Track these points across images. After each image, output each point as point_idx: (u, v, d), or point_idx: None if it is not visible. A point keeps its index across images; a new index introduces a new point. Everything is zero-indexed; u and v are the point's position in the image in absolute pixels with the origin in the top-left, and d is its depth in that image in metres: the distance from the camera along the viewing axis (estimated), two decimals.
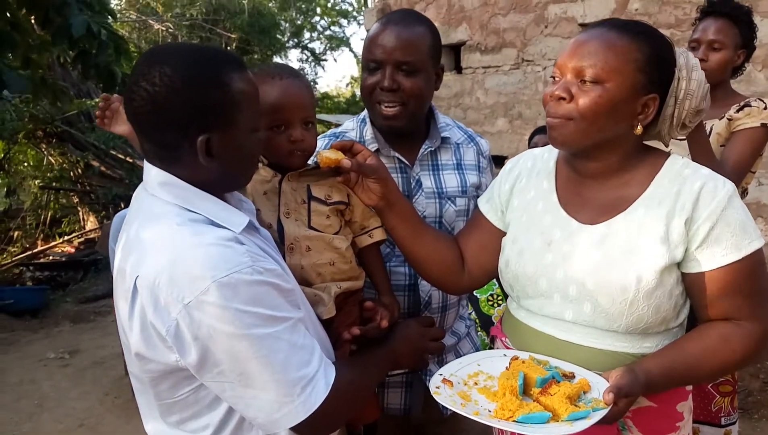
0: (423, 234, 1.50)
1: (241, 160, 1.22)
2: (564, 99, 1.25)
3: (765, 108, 2.25)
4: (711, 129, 2.28)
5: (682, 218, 1.22)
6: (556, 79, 1.29)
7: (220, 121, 1.14)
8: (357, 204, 1.49)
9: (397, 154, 1.70)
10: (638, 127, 1.27)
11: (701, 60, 2.26)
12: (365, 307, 1.46)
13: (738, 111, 2.27)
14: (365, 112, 1.77)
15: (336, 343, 1.37)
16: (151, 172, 1.19)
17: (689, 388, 1.37)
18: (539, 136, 3.59)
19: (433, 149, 1.74)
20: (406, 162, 1.71)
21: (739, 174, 2.17)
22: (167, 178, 1.17)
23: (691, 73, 1.27)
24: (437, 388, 1.23)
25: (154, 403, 1.23)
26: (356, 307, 1.47)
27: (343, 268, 1.45)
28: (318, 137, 1.54)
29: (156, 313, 1.07)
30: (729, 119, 2.29)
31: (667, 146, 1.40)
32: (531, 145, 3.74)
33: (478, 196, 1.73)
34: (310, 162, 1.47)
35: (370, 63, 1.62)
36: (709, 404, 2.29)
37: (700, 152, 2.02)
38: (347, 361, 1.34)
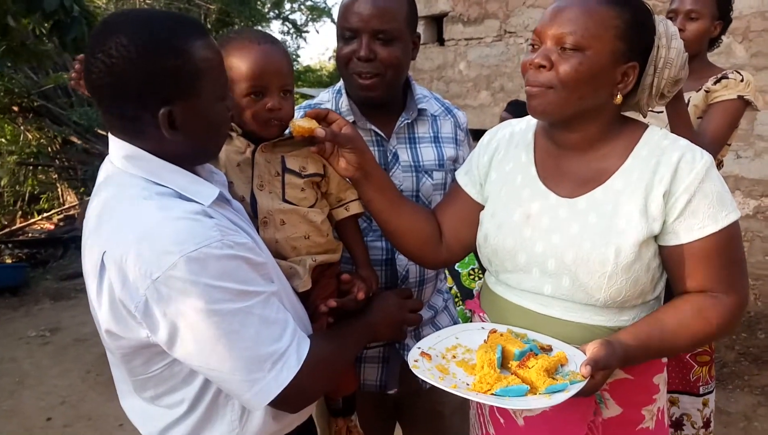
0: (400, 207, 1.48)
1: (208, 131, 1.18)
2: (544, 67, 1.22)
3: (742, 80, 2.26)
4: (688, 101, 2.28)
5: (660, 191, 1.22)
6: (535, 46, 1.26)
7: (181, 92, 1.10)
8: (333, 176, 1.46)
9: (373, 127, 1.67)
10: (618, 96, 1.25)
11: (679, 30, 2.25)
12: (342, 280, 1.45)
13: (715, 83, 2.28)
14: (341, 83, 1.73)
15: (313, 315, 1.36)
16: (116, 145, 1.16)
17: (664, 360, 1.39)
18: (505, 112, 3.62)
19: (410, 121, 1.71)
20: (383, 135, 1.68)
21: (716, 146, 2.18)
22: (132, 150, 1.14)
23: (670, 42, 1.26)
24: (415, 361, 1.23)
25: (128, 378, 1.23)
26: (333, 280, 1.46)
27: (318, 241, 1.43)
28: None
29: (124, 290, 1.05)
30: (706, 91, 2.29)
31: (645, 117, 1.39)
32: (501, 120, 3.73)
33: (455, 170, 1.72)
34: (285, 132, 1.44)
35: (345, 32, 1.57)
36: (688, 374, 2.33)
37: (680, 123, 2.03)
38: (323, 333, 1.33)
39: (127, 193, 1.11)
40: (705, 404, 2.35)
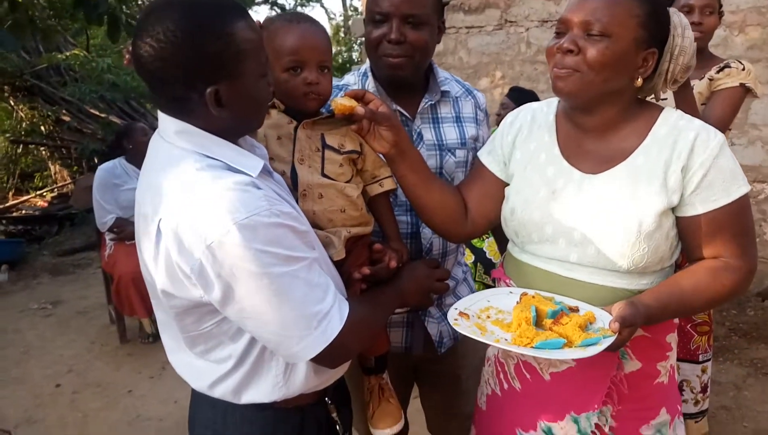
0: (431, 183, 1.57)
1: (252, 107, 1.26)
2: (571, 51, 1.32)
3: (743, 69, 2.41)
4: (692, 88, 2.41)
5: (678, 166, 1.33)
6: (560, 33, 1.36)
7: (226, 72, 1.17)
8: (369, 154, 1.54)
9: (398, 108, 1.74)
10: (638, 80, 1.36)
11: (698, 23, 2.39)
12: (374, 249, 1.53)
13: (718, 72, 2.43)
14: (366, 65, 1.80)
15: (347, 282, 1.44)
16: (166, 121, 1.23)
17: (676, 321, 1.50)
18: (506, 98, 3.75)
19: (433, 102, 1.79)
20: (408, 115, 1.75)
21: (720, 129, 2.31)
22: (183, 126, 1.21)
23: (684, 31, 1.37)
24: (455, 320, 1.33)
25: (179, 335, 1.31)
26: (365, 250, 1.54)
27: (353, 214, 1.51)
28: None
29: (180, 254, 1.13)
30: (710, 79, 2.43)
31: (657, 100, 1.50)
32: (502, 106, 3.83)
33: (476, 148, 1.81)
34: (324, 111, 1.51)
35: (376, 15, 1.64)
36: (688, 343, 2.48)
37: (687, 109, 2.14)
38: (359, 298, 1.42)
39: (181, 166, 1.18)
40: (703, 371, 2.50)
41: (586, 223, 1.37)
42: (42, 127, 9.95)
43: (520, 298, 1.39)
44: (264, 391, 1.30)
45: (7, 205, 9.14)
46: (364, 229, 1.55)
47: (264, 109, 1.32)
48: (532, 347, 1.21)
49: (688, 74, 1.44)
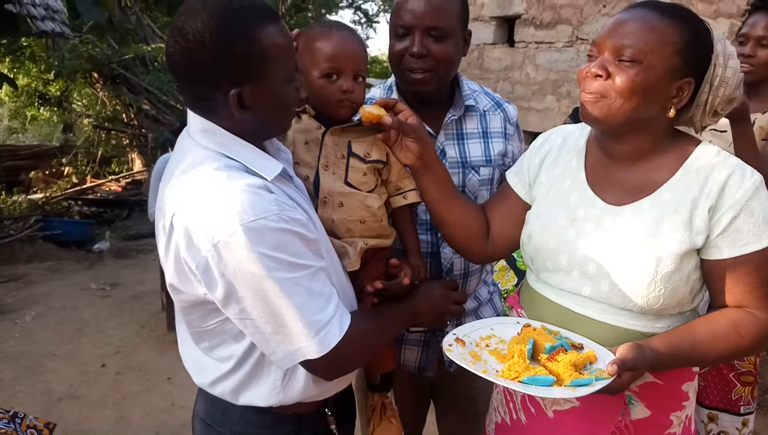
0: (454, 199, 1.54)
1: (275, 111, 1.26)
2: (600, 76, 1.26)
3: None
4: (754, 122, 2.25)
5: (706, 206, 1.25)
6: (592, 57, 1.31)
7: (250, 74, 1.18)
8: (395, 164, 1.52)
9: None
10: (671, 110, 1.28)
11: (749, 56, 2.24)
12: (390, 264, 1.50)
13: None
14: (392, 80, 1.79)
15: (360, 295, 1.43)
16: (194, 119, 1.26)
17: (695, 369, 1.41)
18: (569, 118, 3.62)
19: (457, 117, 1.75)
20: (431, 130, 1.71)
21: None
22: (208, 125, 1.23)
23: (727, 61, 1.28)
24: (450, 345, 1.29)
25: (187, 329, 1.34)
26: (382, 263, 1.51)
27: (373, 226, 1.49)
28: None
29: (188, 250, 1.15)
30: None
31: (698, 133, 1.41)
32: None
33: (503, 164, 1.76)
34: (354, 119, 1.50)
35: (398, 28, 1.61)
36: (730, 392, 2.33)
37: (744, 144, 2.02)
38: (366, 312, 1.40)
39: (200, 164, 1.20)
40: (744, 424, 2.34)
41: (602, 257, 1.31)
42: (123, 115, 10.48)
43: (522, 330, 1.34)
44: (261, 394, 1.30)
45: (84, 187, 9.67)
46: (383, 242, 1.53)
47: (289, 114, 1.33)
48: (518, 381, 1.17)
49: (731, 106, 1.34)
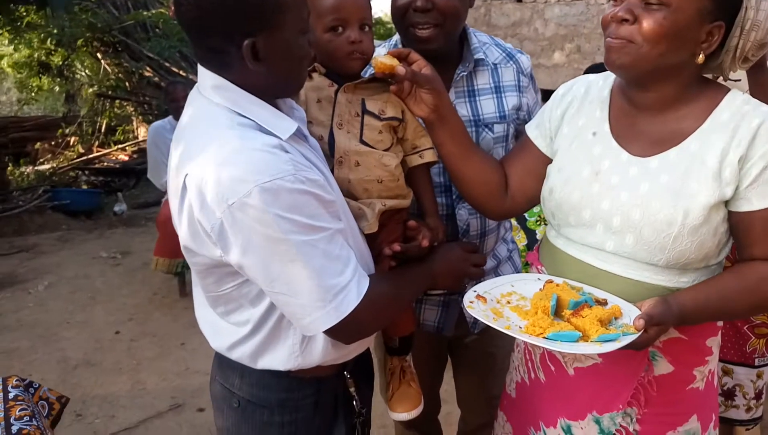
0: (471, 153, 1.49)
1: (290, 63, 1.21)
2: (627, 20, 1.20)
3: None
4: None
5: (736, 155, 1.20)
6: (617, 1, 1.24)
7: (264, 24, 1.13)
8: (410, 121, 1.48)
9: None
10: (701, 56, 1.22)
11: None
12: (408, 226, 1.47)
13: None
14: (396, 38, 1.72)
15: (377, 257, 1.40)
16: (205, 75, 1.21)
17: (719, 324, 1.38)
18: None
19: (467, 73, 1.68)
20: None
21: None
22: (219, 81, 1.19)
23: (759, 3, 1.21)
24: (471, 302, 1.27)
25: (203, 293, 1.32)
26: (400, 225, 1.48)
27: (390, 185, 1.45)
28: None
29: (202, 211, 1.12)
30: None
31: (725, 80, 1.36)
32: None
33: (518, 118, 1.70)
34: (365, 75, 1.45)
35: None
36: (744, 345, 2.30)
37: (760, 92, 1.95)
38: (385, 274, 1.37)
39: (213, 122, 1.17)
40: (759, 376, 2.32)
41: (627, 210, 1.27)
42: (126, 83, 10.38)
43: (544, 286, 1.31)
44: (280, 358, 1.29)
45: (91, 156, 9.65)
46: (401, 203, 1.49)
47: (303, 68, 1.28)
48: (543, 338, 1.14)
49: (762, 52, 1.28)
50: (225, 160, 1.10)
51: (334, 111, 1.42)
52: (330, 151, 1.41)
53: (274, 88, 1.23)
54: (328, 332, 1.20)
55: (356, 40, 1.37)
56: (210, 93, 1.20)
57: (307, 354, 1.29)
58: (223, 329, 1.33)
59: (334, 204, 1.21)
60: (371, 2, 1.44)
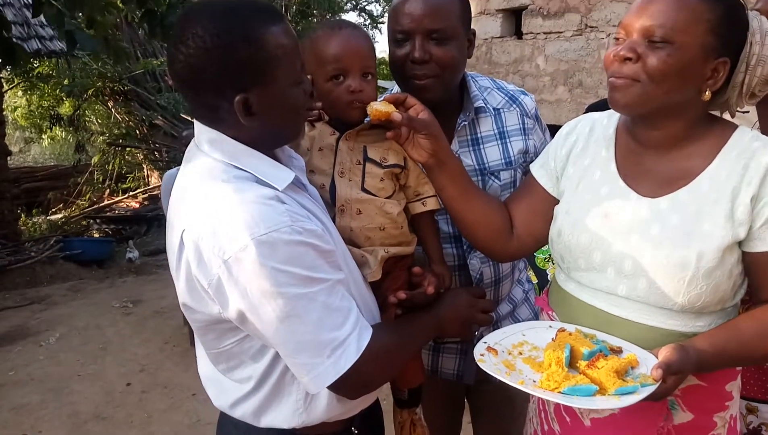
0: (472, 196, 1.47)
1: (284, 116, 1.20)
2: (630, 59, 1.19)
3: None
4: None
5: (748, 195, 1.17)
6: (620, 39, 1.23)
7: (256, 79, 1.13)
8: (413, 169, 1.46)
9: None
10: (707, 93, 1.21)
11: None
12: (413, 273, 1.44)
13: None
14: (395, 88, 1.71)
15: (382, 305, 1.37)
16: (200, 130, 1.21)
17: (738, 368, 1.34)
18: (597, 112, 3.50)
19: (468, 122, 1.66)
20: None
21: None
22: (215, 135, 1.19)
23: (765, 38, 1.20)
24: (481, 355, 1.24)
25: (204, 350, 1.30)
26: (405, 272, 1.45)
27: (393, 233, 1.43)
28: None
29: (199, 267, 1.10)
30: None
31: (733, 116, 1.34)
32: None
33: (525, 162, 1.68)
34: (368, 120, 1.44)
35: (397, 34, 1.53)
36: None
37: None
38: (388, 324, 1.34)
39: (208, 176, 1.16)
40: None
41: (638, 253, 1.24)
42: (137, 131, 10.55)
43: (557, 335, 1.28)
44: (284, 415, 1.25)
45: (102, 205, 9.75)
46: (404, 250, 1.47)
47: (299, 118, 1.27)
48: (559, 393, 1.10)
49: None
50: (220, 214, 1.09)
51: (335, 159, 1.41)
52: (331, 200, 1.40)
53: (269, 140, 1.23)
54: (331, 388, 1.16)
55: (356, 90, 1.36)
56: (206, 147, 1.20)
57: (311, 410, 1.25)
58: (225, 387, 1.30)
59: (334, 253, 1.19)
60: (374, 47, 1.44)
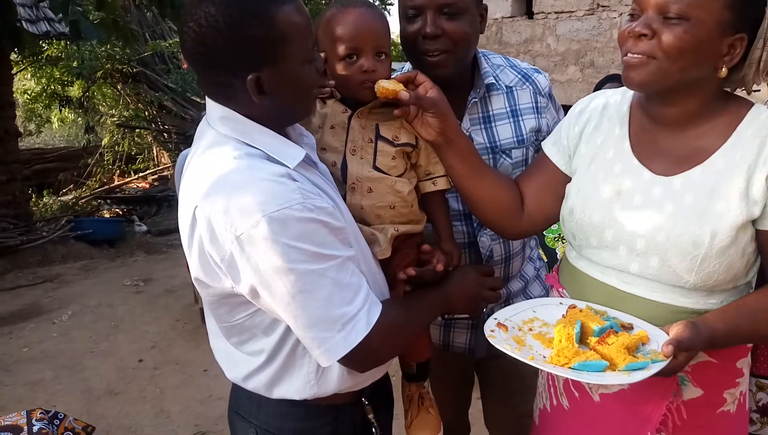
0: (482, 174, 1.47)
1: (296, 94, 1.21)
2: (645, 36, 1.18)
3: None
4: None
5: (763, 173, 1.17)
6: (635, 16, 1.22)
7: (268, 58, 1.13)
8: (424, 147, 1.46)
9: None
10: (723, 70, 1.19)
11: None
12: (423, 250, 1.45)
13: None
14: (407, 65, 1.70)
15: (391, 282, 1.38)
16: (212, 107, 1.22)
17: (749, 344, 1.34)
18: (610, 84, 3.44)
19: (479, 99, 1.65)
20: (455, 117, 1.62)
21: None
22: (226, 112, 1.19)
23: None
24: (492, 331, 1.25)
25: (216, 324, 1.32)
26: (414, 250, 1.46)
27: (403, 211, 1.44)
28: None
29: (212, 243, 1.12)
30: None
31: (749, 94, 1.33)
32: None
33: (537, 140, 1.67)
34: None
35: (408, 9, 1.51)
36: None
37: None
38: (397, 300, 1.36)
39: (220, 153, 1.17)
40: None
41: (651, 231, 1.24)
42: (145, 112, 10.56)
43: (567, 312, 1.28)
44: (295, 387, 1.27)
45: (112, 185, 9.81)
46: (414, 228, 1.48)
47: (310, 97, 1.27)
48: (569, 368, 1.11)
49: None
50: (233, 191, 1.10)
51: (347, 137, 1.41)
52: (343, 178, 1.40)
53: (280, 118, 1.24)
54: (341, 361, 1.18)
55: (369, 69, 1.35)
56: (218, 124, 1.21)
57: (323, 382, 1.27)
58: (237, 360, 1.32)
59: (344, 230, 1.20)
60: (388, 26, 1.42)
